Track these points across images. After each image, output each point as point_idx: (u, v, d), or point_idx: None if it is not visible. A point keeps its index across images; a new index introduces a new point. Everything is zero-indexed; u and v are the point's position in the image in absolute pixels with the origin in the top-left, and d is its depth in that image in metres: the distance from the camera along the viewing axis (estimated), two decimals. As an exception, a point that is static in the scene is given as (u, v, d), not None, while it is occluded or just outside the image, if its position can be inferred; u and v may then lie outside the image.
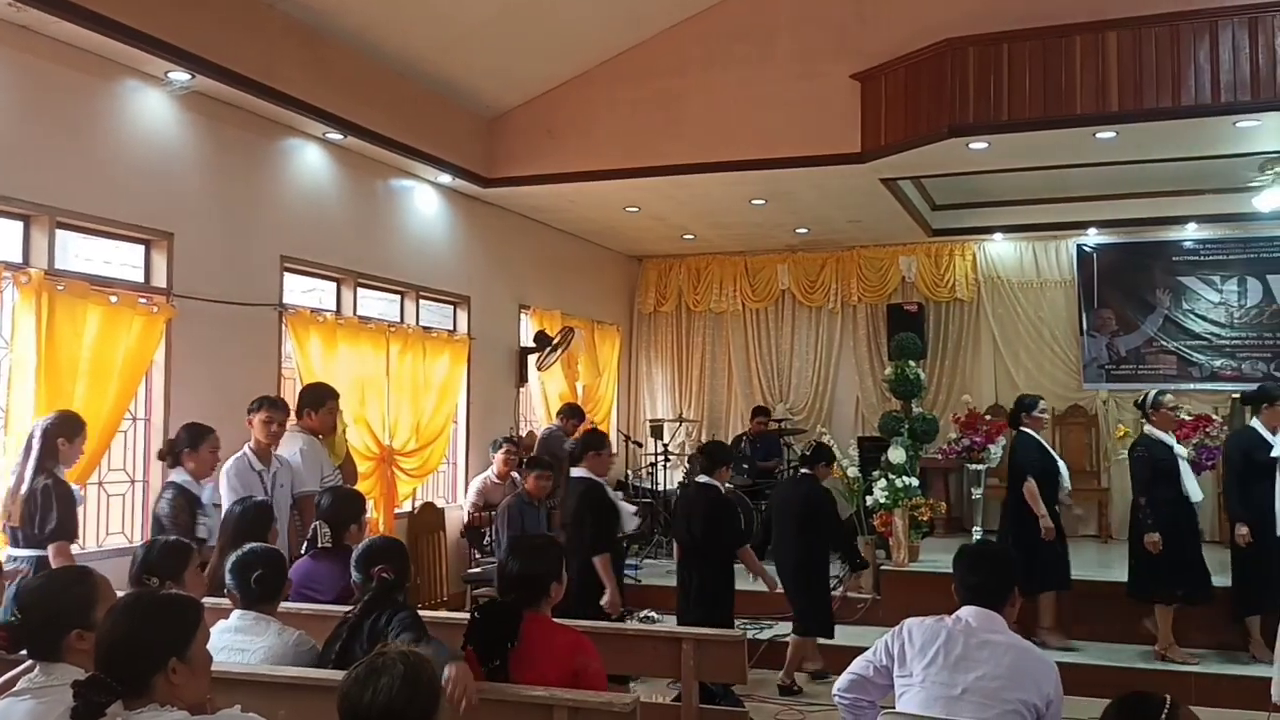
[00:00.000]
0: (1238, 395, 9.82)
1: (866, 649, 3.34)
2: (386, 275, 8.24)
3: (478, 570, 8.11)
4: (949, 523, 10.23)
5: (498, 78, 8.47)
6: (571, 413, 9.73)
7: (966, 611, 3.22)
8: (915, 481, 8.24)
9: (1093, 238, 11.10)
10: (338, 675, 2.77)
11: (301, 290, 7.51)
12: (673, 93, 8.48)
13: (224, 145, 6.62)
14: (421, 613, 3.59)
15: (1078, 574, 7.19)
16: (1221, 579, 6.74)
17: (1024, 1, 7.31)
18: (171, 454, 5.25)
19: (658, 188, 9.05)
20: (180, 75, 6.04)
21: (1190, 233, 10.76)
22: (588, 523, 5.73)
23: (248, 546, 3.66)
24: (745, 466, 10.45)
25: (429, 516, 8.56)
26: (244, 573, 3.50)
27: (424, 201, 8.75)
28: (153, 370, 6.10)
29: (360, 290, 8.00)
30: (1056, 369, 11.19)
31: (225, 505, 5.49)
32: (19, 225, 5.48)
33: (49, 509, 4.66)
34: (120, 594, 2.62)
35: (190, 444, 5.23)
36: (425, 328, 8.67)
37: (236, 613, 3.52)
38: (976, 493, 8.33)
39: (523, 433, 9.89)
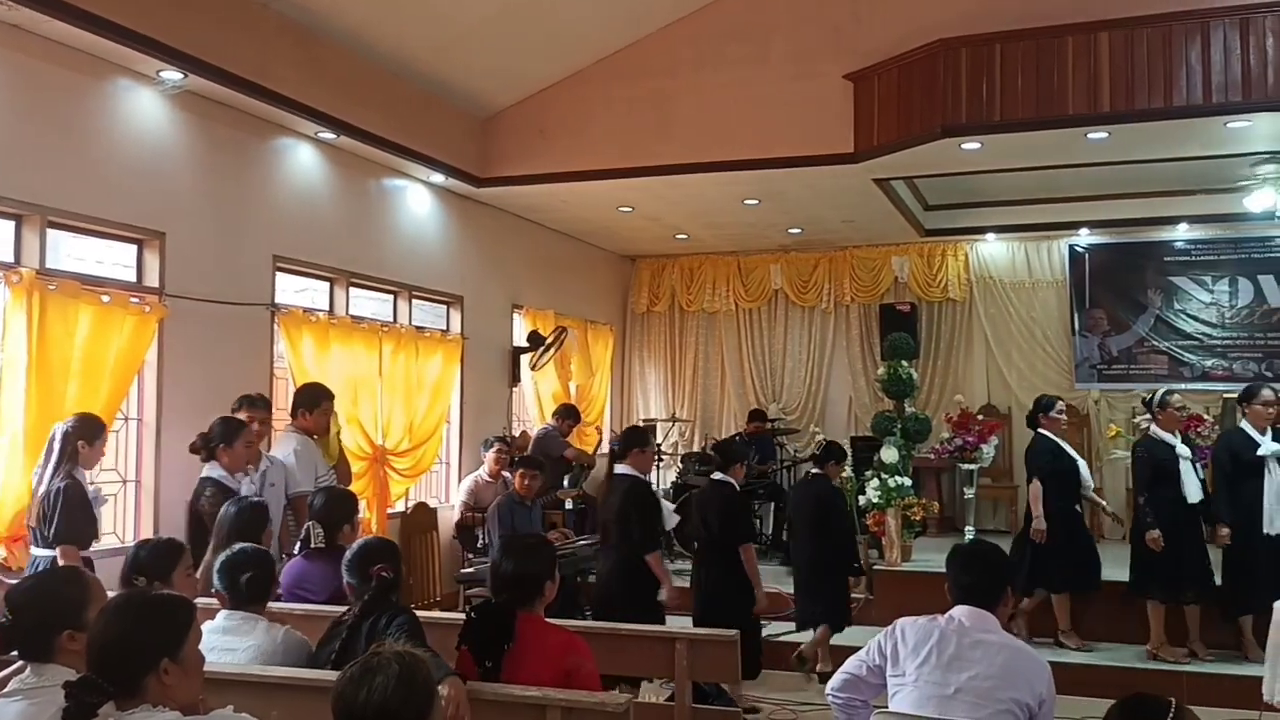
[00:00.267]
0: (1229, 395, 9.87)
1: (860, 649, 3.35)
2: (379, 275, 8.23)
3: (470, 570, 8.08)
4: (941, 522, 10.26)
5: (491, 78, 8.46)
6: (567, 413, 9.74)
7: (959, 611, 3.22)
8: (908, 481, 8.26)
9: (1085, 238, 11.13)
10: (330, 675, 2.77)
11: (294, 290, 7.49)
12: (666, 93, 8.48)
13: (217, 145, 6.60)
14: (415, 613, 3.58)
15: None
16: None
17: (1017, 2, 7.33)
18: (206, 448, 5.23)
19: (651, 188, 9.05)
20: (173, 74, 6.02)
21: (1182, 233, 10.79)
22: (634, 519, 5.75)
23: (237, 547, 3.66)
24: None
25: (422, 516, 8.55)
26: (233, 573, 3.50)
27: (417, 201, 8.74)
28: (145, 370, 6.07)
29: (353, 290, 7.99)
30: (1048, 369, 11.22)
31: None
32: (10, 225, 5.45)
33: (57, 512, 4.74)
34: (111, 594, 2.61)
35: (226, 439, 5.22)
36: (418, 327, 8.66)
37: (223, 613, 3.51)
38: (969, 492, 8.36)
39: (515, 433, 9.89)
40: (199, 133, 6.47)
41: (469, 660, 3.22)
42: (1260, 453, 6.43)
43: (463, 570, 8.14)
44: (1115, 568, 7.01)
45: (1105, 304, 11.08)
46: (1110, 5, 7.09)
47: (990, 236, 11.39)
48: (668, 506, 6.24)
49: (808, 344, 12.18)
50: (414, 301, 8.73)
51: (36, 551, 4.85)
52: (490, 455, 8.46)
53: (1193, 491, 6.61)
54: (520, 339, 10.20)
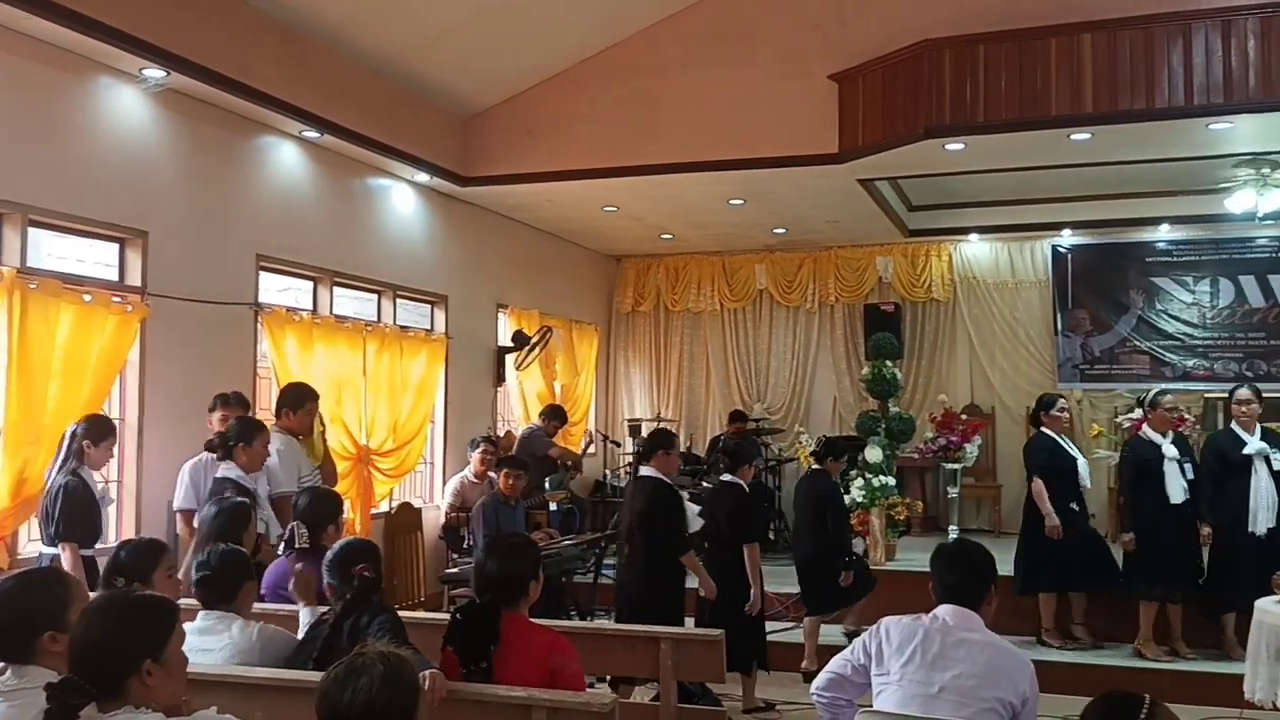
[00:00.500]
0: (1210, 395, 9.94)
1: (844, 648, 3.36)
2: (363, 274, 8.20)
3: (455, 570, 8.05)
4: (925, 521, 10.29)
5: (475, 77, 8.44)
6: (553, 414, 9.73)
7: (944, 610, 3.23)
8: (892, 480, 8.29)
9: (1067, 239, 11.19)
10: (313, 676, 2.76)
11: (277, 289, 7.46)
12: (651, 92, 8.47)
13: (199, 143, 6.56)
14: (399, 613, 3.58)
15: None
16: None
17: (1000, 3, 7.37)
18: (224, 447, 5.20)
19: (636, 187, 9.05)
20: (155, 72, 5.99)
21: (1163, 234, 10.86)
22: (660, 522, 5.77)
23: (209, 547, 3.65)
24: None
25: (406, 516, 8.53)
26: (204, 573, 3.49)
27: (401, 200, 8.71)
28: (127, 370, 6.04)
29: (337, 289, 7.95)
30: (1031, 369, 11.27)
31: (177, 505, 5.49)
32: (-9, 223, 5.42)
33: (59, 509, 4.79)
34: (93, 595, 2.60)
35: (245, 439, 5.18)
36: (402, 327, 8.64)
37: (201, 613, 3.50)
38: (953, 492, 8.39)
39: (500, 432, 9.87)
40: (181, 131, 6.43)
41: (453, 661, 3.22)
42: (1245, 451, 6.47)
43: (447, 570, 8.12)
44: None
45: (1088, 304, 11.14)
46: (1093, 7, 7.14)
47: (974, 237, 11.43)
48: (692, 509, 6.26)
49: (792, 344, 12.19)
50: (398, 301, 8.70)
51: (43, 549, 4.94)
52: (476, 456, 8.44)
53: (1176, 492, 6.61)
54: (505, 339, 10.18)
